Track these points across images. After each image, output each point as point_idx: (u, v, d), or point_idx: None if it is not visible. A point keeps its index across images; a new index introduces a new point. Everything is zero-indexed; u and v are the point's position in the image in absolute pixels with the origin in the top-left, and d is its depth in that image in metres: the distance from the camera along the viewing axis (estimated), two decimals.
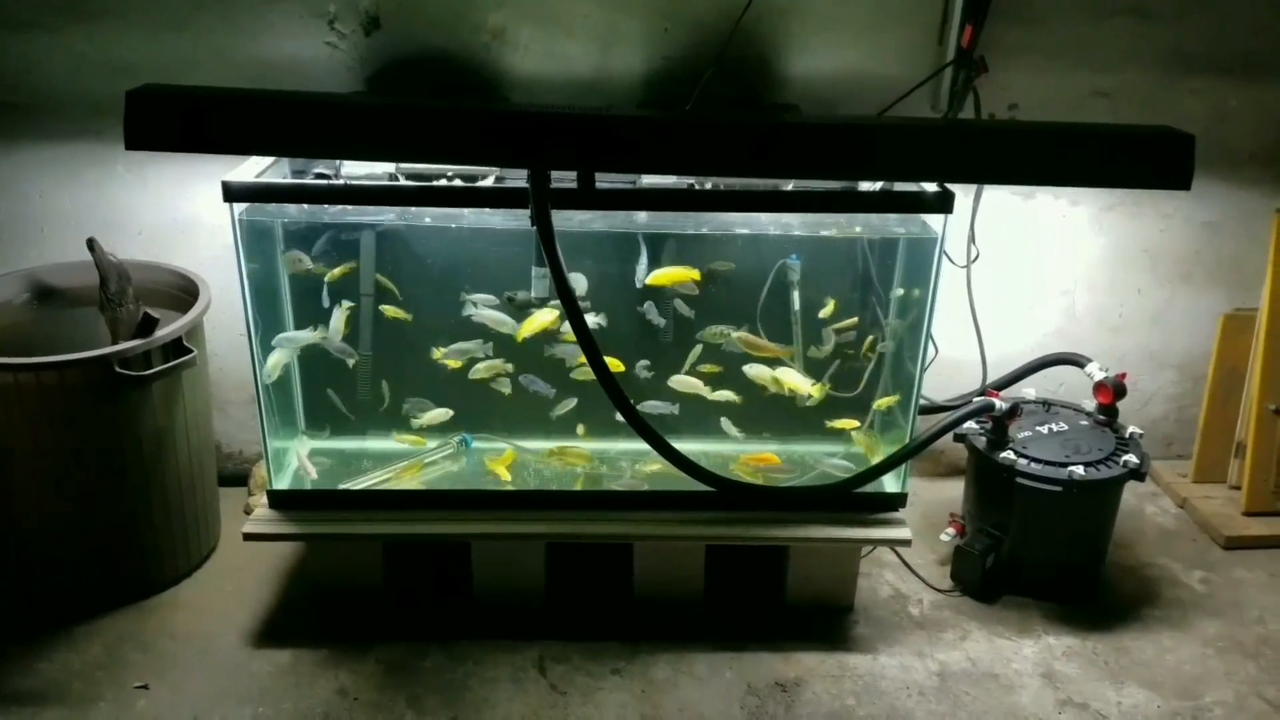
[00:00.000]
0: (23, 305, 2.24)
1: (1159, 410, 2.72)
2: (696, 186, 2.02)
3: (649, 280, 2.06)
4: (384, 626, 2.09)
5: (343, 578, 2.13)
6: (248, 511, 2.31)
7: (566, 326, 1.99)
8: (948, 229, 1.97)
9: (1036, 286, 2.55)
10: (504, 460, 2.22)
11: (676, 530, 2.10)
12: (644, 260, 2.07)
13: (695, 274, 2.07)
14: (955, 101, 2.24)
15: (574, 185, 1.84)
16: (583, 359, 1.94)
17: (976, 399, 2.20)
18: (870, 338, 2.18)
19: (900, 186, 2.02)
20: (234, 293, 1.97)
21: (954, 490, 2.44)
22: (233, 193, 1.86)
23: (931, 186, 1.94)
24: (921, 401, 2.16)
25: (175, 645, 2.04)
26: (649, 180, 2.00)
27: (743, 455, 2.23)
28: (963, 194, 2.24)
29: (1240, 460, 2.53)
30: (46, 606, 2.11)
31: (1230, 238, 2.52)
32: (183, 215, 2.32)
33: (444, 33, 2.19)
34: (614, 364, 1.99)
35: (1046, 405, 2.37)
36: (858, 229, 2.14)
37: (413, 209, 2.02)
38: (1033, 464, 2.14)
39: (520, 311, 2.09)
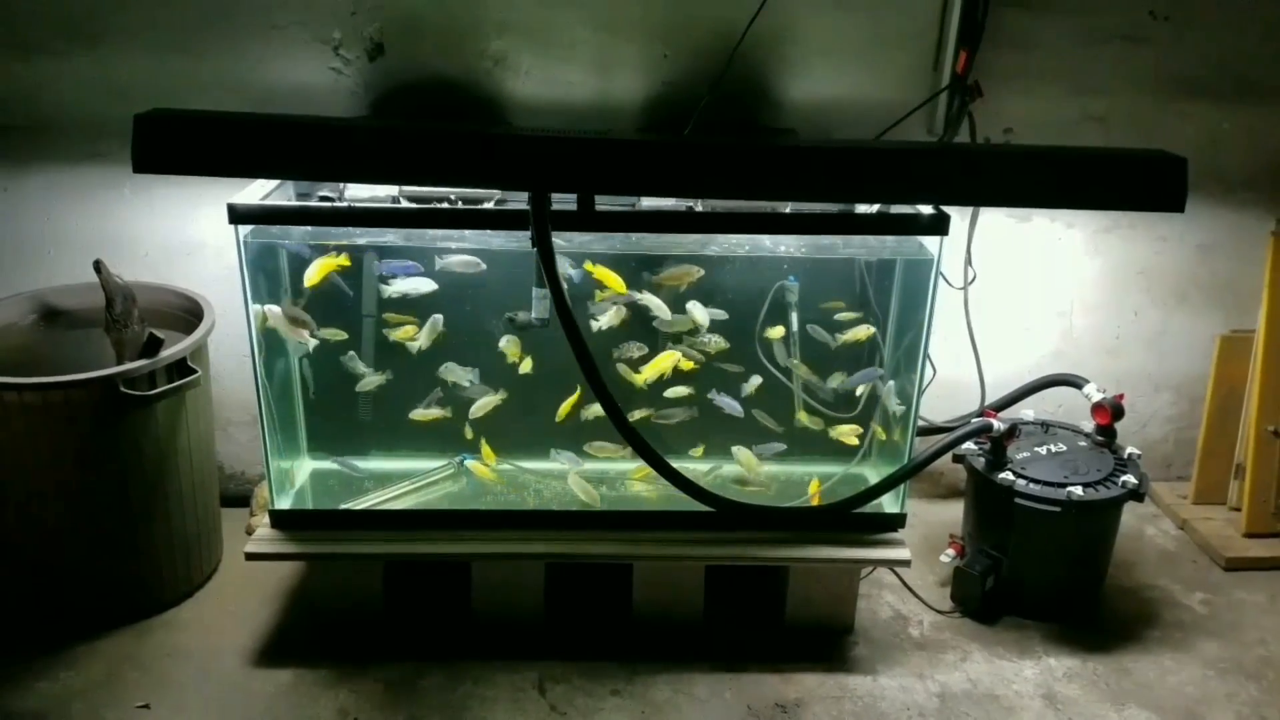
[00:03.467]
0: (29, 326, 2.26)
1: (1157, 432, 2.72)
2: (696, 209, 2.04)
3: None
4: (384, 646, 2.09)
5: (343, 597, 2.14)
6: (249, 532, 2.32)
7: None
8: (944, 251, 1.98)
9: (1033, 308, 2.57)
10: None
11: (676, 550, 2.10)
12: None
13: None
14: (951, 126, 2.27)
15: (574, 207, 1.86)
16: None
17: (975, 420, 2.21)
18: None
19: (897, 209, 2.04)
20: (238, 314, 1.99)
21: (953, 511, 2.44)
22: (238, 215, 1.88)
23: (928, 209, 1.96)
24: (920, 422, 2.17)
25: (177, 665, 2.04)
26: (648, 203, 2.02)
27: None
28: (959, 217, 2.27)
29: (1240, 482, 2.53)
30: (48, 625, 2.11)
31: (1225, 259, 2.54)
32: (188, 237, 2.34)
33: (447, 59, 2.22)
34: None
35: (1045, 426, 2.38)
36: (845, 248, 2.16)
37: (415, 230, 2.04)
38: (1031, 484, 2.15)
39: (519, 331, 2.10)
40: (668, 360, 2.11)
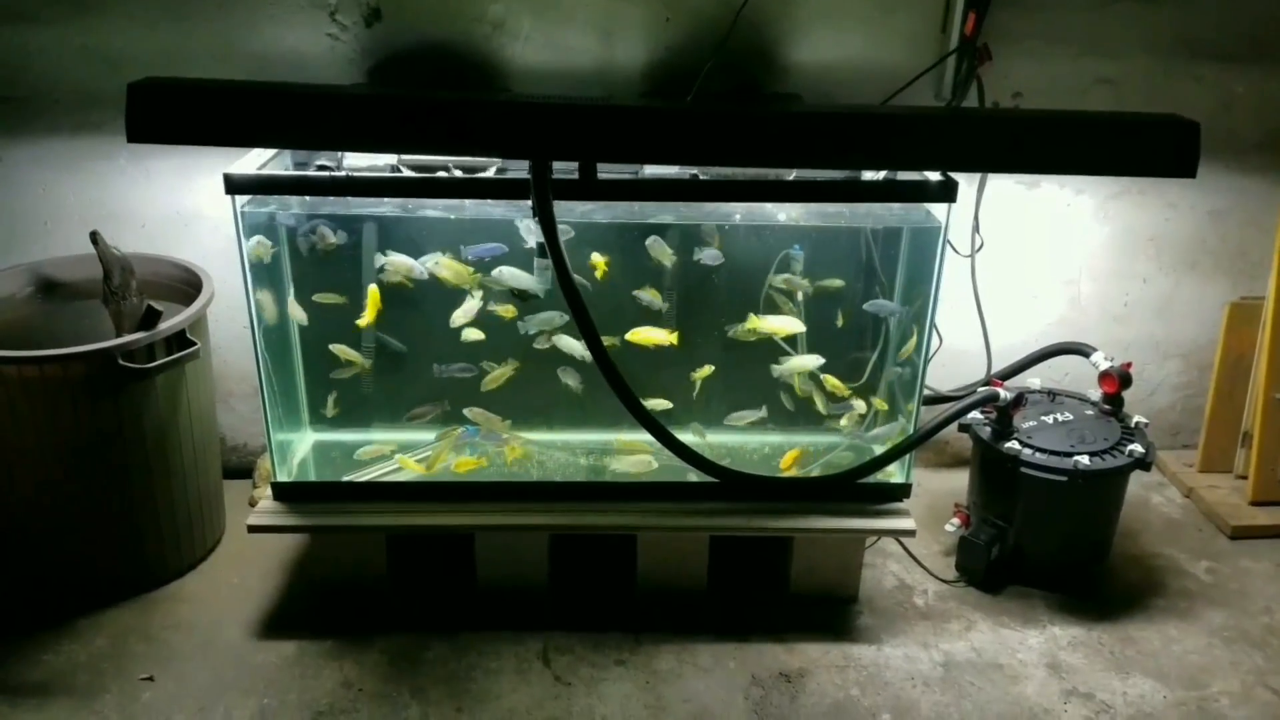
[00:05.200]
0: (27, 299, 2.24)
1: (1165, 400, 2.71)
2: (699, 176, 2.01)
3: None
4: (388, 618, 2.09)
5: (347, 569, 2.14)
6: (252, 504, 2.31)
7: None
8: (951, 218, 1.96)
9: (1041, 276, 2.54)
10: None
11: (680, 521, 2.09)
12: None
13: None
14: (959, 90, 2.23)
15: (575, 176, 1.84)
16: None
17: (981, 389, 2.19)
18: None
19: (904, 176, 2.01)
20: (237, 285, 1.97)
21: (959, 480, 2.43)
22: (235, 185, 1.86)
23: (935, 175, 1.93)
24: (926, 391, 2.15)
25: (180, 637, 2.04)
26: (651, 170, 2.00)
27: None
28: (966, 183, 2.22)
29: (1246, 450, 2.52)
30: (51, 599, 2.12)
31: (1236, 226, 2.51)
32: (185, 208, 2.32)
33: (445, 24, 2.18)
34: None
35: (1051, 395, 2.36)
36: (851, 216, 2.13)
37: (414, 200, 2.02)
38: (1038, 454, 2.14)
39: (521, 302, 2.08)
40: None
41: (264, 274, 2.03)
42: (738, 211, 2.08)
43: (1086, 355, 2.29)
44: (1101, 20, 2.26)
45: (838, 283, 2.15)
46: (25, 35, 2.16)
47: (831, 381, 2.17)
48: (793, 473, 2.20)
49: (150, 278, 2.19)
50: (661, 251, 2.06)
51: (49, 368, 1.92)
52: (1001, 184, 2.39)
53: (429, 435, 2.25)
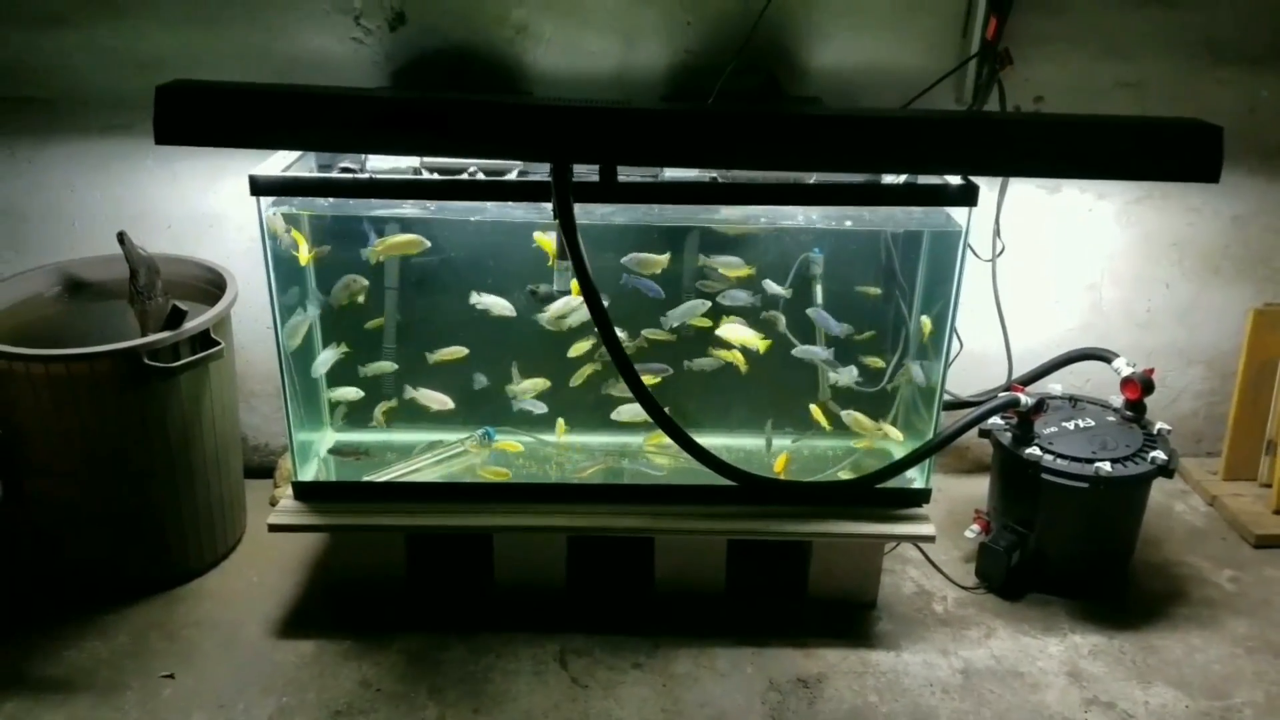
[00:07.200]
0: (54, 298, 2.27)
1: (1188, 406, 2.68)
2: (719, 179, 2.01)
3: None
4: (406, 618, 2.10)
5: (366, 569, 2.15)
6: (273, 503, 2.33)
7: None
8: (972, 222, 1.95)
9: (1062, 281, 2.53)
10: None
11: (698, 524, 2.09)
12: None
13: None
14: (980, 94, 2.23)
15: (596, 179, 1.84)
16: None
17: (1002, 394, 2.18)
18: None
19: (924, 179, 2.00)
20: (261, 286, 1.99)
21: (979, 486, 2.42)
22: (260, 187, 1.88)
23: (956, 179, 1.92)
24: (946, 397, 2.14)
25: (201, 635, 2.06)
26: (671, 174, 2.00)
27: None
28: (987, 187, 2.22)
29: (1271, 457, 2.50)
30: (74, 595, 2.14)
31: (1260, 231, 2.49)
32: (211, 209, 2.35)
33: (468, 28, 2.20)
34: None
35: (1073, 401, 2.35)
36: (871, 219, 2.13)
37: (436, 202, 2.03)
38: (1059, 460, 2.12)
39: (542, 304, 2.09)
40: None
41: (287, 274, 2.05)
42: (758, 215, 2.08)
43: (1108, 361, 2.28)
44: (1124, 24, 2.25)
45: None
46: (55, 37, 2.19)
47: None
48: (784, 477, 2.19)
49: (175, 278, 2.21)
50: (645, 264, 2.07)
51: (75, 366, 1.94)
52: (1023, 188, 2.38)
53: (448, 435, 2.26)
